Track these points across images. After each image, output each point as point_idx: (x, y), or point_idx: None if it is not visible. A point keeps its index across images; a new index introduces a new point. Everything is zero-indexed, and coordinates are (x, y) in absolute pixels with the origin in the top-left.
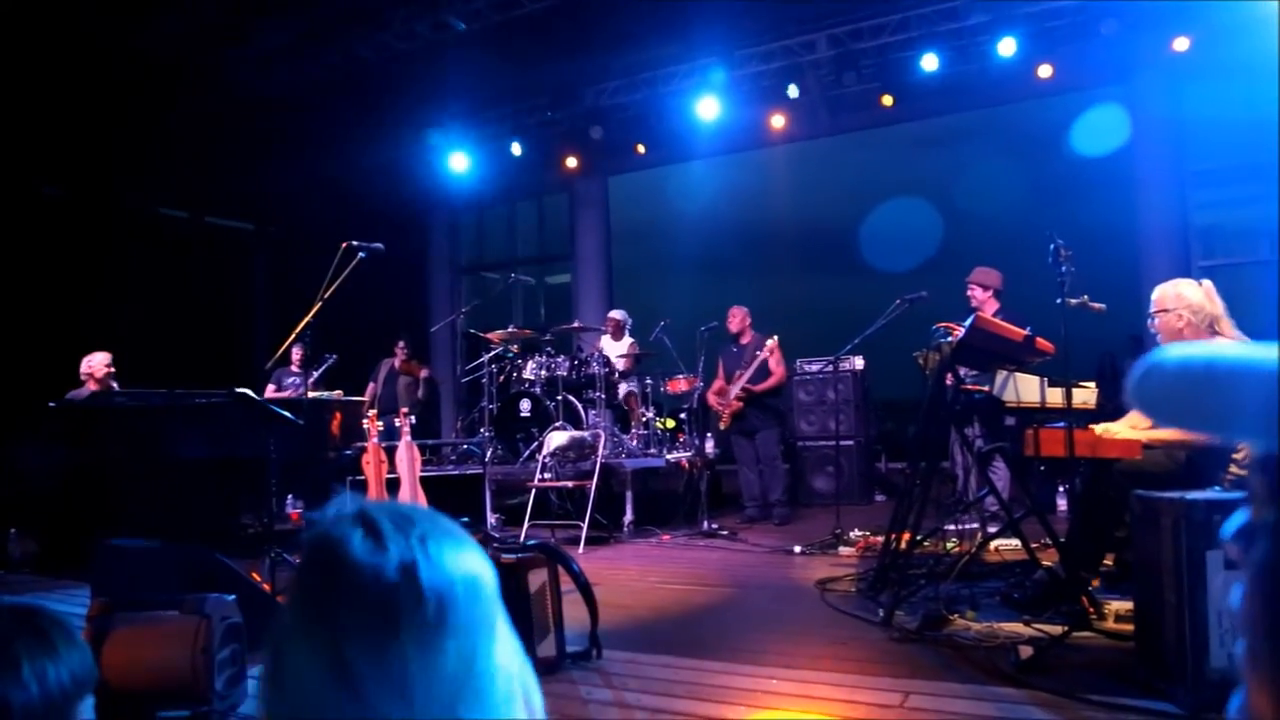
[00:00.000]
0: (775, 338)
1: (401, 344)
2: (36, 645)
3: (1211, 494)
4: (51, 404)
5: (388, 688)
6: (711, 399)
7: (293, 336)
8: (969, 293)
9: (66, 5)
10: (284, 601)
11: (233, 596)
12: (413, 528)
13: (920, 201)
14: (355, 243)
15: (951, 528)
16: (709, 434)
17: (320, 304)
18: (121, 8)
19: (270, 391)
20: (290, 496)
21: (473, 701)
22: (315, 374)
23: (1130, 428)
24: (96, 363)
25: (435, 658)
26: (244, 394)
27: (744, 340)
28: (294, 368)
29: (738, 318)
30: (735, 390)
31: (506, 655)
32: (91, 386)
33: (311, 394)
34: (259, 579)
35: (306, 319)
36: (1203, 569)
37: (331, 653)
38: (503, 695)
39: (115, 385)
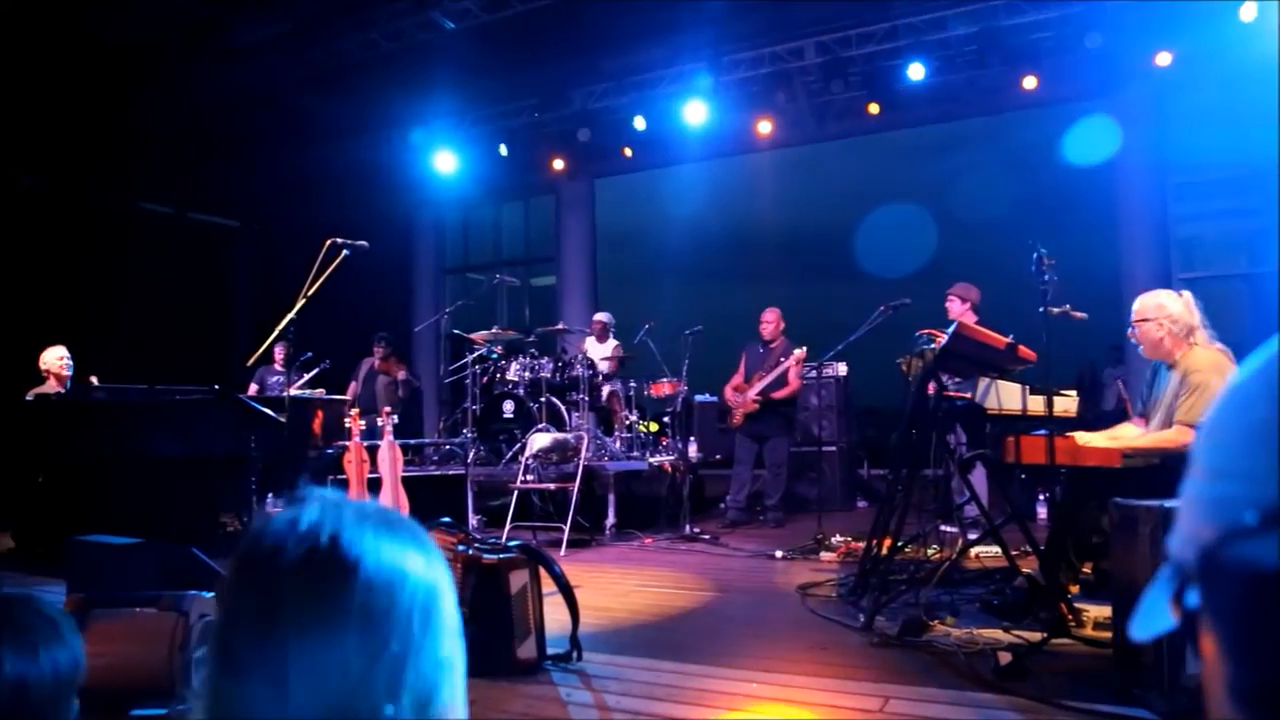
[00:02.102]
0: (804, 349)
1: (378, 344)
2: (50, 633)
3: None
4: (27, 398)
5: (265, 679)
6: (729, 394)
7: (275, 334)
8: (946, 304)
9: None
10: (220, 600)
11: (211, 594)
12: (344, 518)
13: (905, 210)
14: (340, 240)
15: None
16: (692, 438)
17: (304, 301)
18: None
19: (253, 390)
20: (270, 495)
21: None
22: (306, 377)
23: (1109, 439)
24: (50, 358)
25: (372, 653)
26: (225, 391)
27: (773, 344)
28: (277, 366)
29: (771, 323)
30: (753, 392)
31: (420, 677)
32: (52, 383)
33: (293, 392)
34: None
35: (289, 316)
36: None
37: (221, 640)
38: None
39: (94, 379)
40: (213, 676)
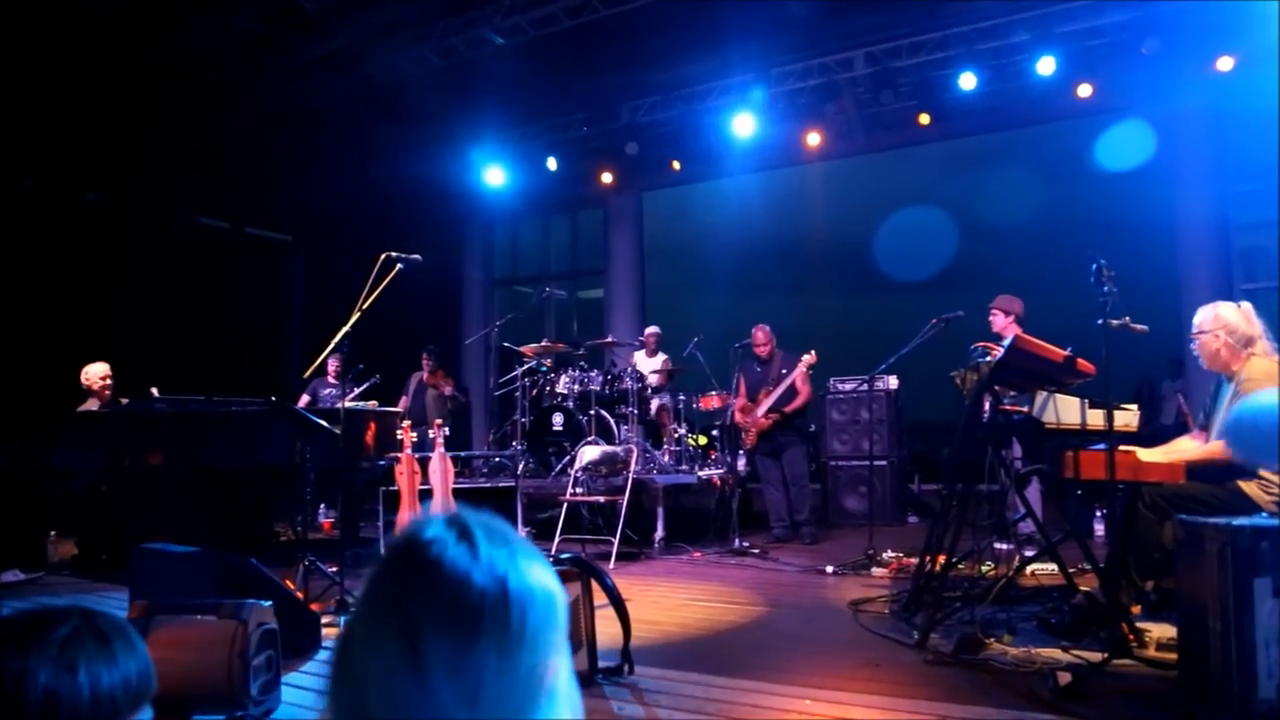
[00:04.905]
0: (812, 353)
1: (427, 356)
2: (96, 650)
3: (1258, 520)
4: (88, 409)
5: (460, 691)
6: (738, 417)
7: (331, 346)
8: (990, 317)
9: (111, 14)
10: (361, 597)
11: (269, 603)
12: (505, 540)
13: (957, 220)
14: (394, 254)
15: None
16: (741, 451)
17: (359, 315)
18: (164, 17)
19: (304, 401)
20: (323, 506)
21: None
22: (357, 390)
23: (1166, 454)
24: (92, 374)
25: (509, 668)
26: (281, 403)
27: (770, 359)
28: (330, 379)
29: (764, 343)
30: (762, 409)
31: (566, 677)
32: (93, 401)
33: (347, 404)
34: (292, 586)
35: (345, 329)
36: (1250, 596)
37: (411, 652)
38: (561, 715)
39: (154, 391)
40: (392, 683)
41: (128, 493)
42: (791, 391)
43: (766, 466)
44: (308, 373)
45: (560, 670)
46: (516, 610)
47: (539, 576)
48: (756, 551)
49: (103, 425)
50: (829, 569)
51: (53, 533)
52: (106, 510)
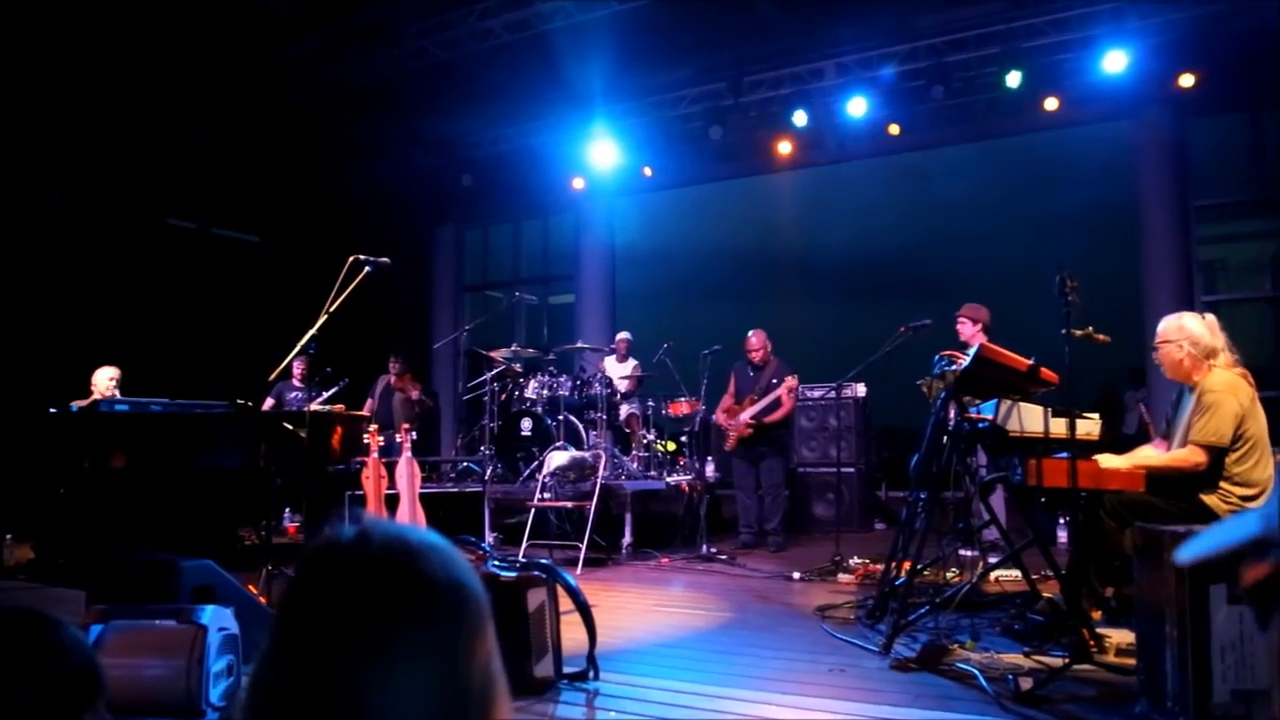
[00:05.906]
0: (795, 376)
1: (394, 360)
2: (39, 654)
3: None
4: (51, 410)
5: (357, 708)
6: (720, 417)
7: (297, 349)
8: (958, 326)
9: (79, 13)
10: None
11: (230, 608)
12: (389, 547)
13: (924, 230)
14: (362, 257)
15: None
16: (709, 457)
17: (325, 318)
18: (133, 17)
19: (269, 404)
20: (288, 510)
21: None
22: (326, 394)
23: (1128, 462)
24: (99, 378)
25: (404, 677)
26: (245, 406)
27: (764, 366)
28: (296, 382)
29: (759, 348)
30: (745, 416)
31: (482, 674)
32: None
33: (313, 407)
34: (255, 592)
35: (311, 332)
36: (1205, 603)
37: (303, 681)
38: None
39: (117, 393)
40: (310, 699)
41: (87, 496)
42: (775, 404)
43: (742, 471)
44: (273, 375)
45: (475, 668)
46: (424, 613)
47: (448, 576)
48: (724, 557)
49: (63, 427)
50: (796, 575)
51: (8, 536)
52: (65, 514)
